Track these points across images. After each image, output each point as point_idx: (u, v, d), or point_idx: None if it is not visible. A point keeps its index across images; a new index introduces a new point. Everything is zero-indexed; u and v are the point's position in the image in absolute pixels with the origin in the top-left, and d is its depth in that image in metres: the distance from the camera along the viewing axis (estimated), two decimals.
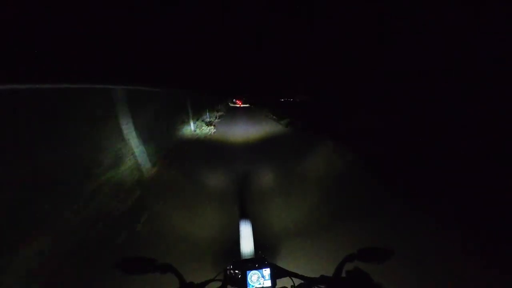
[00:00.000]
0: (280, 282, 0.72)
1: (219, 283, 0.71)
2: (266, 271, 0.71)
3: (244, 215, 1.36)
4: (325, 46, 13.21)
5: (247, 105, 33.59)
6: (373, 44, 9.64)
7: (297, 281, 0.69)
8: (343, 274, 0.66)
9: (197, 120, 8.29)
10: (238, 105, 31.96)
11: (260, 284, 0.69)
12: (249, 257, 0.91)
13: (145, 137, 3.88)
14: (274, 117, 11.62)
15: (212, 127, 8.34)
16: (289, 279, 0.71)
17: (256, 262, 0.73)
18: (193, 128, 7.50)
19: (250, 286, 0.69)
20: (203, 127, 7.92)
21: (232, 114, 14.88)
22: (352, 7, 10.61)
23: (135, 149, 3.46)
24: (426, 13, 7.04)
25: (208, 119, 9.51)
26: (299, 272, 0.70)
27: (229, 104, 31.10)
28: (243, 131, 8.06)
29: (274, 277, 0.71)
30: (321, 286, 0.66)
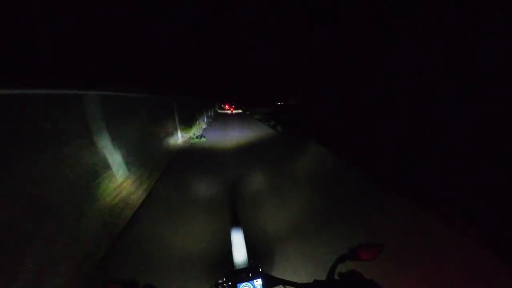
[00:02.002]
0: None
1: None
2: (258, 282, 0.69)
3: (236, 223, 1.30)
4: (325, 46, 13.20)
5: (239, 111, 30.34)
6: (373, 44, 9.64)
7: None
8: (336, 276, 0.66)
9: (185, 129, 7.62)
10: (229, 112, 27.80)
11: None
12: (242, 267, 0.88)
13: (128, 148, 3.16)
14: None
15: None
16: (282, 287, 0.69)
17: (248, 272, 0.71)
18: (180, 138, 7.03)
19: None
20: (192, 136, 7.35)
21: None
22: (352, 7, 10.61)
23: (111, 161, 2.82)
24: (426, 13, 7.03)
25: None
26: (296, 277, 0.69)
27: (217, 111, 27.70)
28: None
29: (266, 287, 0.69)
30: None
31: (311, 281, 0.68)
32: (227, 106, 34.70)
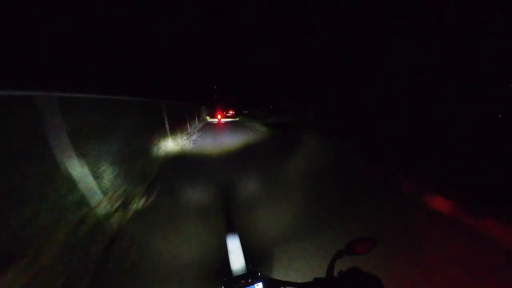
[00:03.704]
0: None
1: None
2: (259, 286, 0.68)
3: (231, 229, 1.30)
4: (325, 46, 13.20)
5: (234, 118, 23.99)
6: (373, 44, 9.64)
7: None
8: (335, 272, 0.67)
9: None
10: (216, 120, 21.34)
11: None
12: (241, 273, 0.88)
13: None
14: None
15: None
16: None
17: (248, 278, 0.70)
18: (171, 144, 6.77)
19: None
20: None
21: None
22: (352, 7, 10.61)
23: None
24: (426, 13, 7.03)
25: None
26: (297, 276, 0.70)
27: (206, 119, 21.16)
28: None
29: None
30: None
31: (311, 279, 0.68)
32: (219, 115, 23.01)
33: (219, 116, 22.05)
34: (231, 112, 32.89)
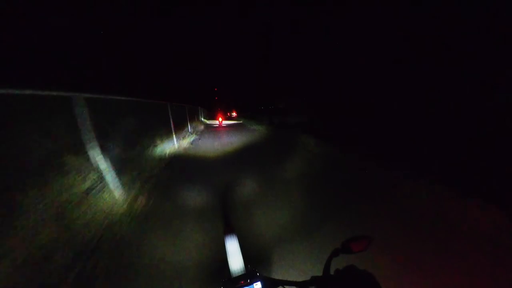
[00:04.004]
0: None
1: None
2: (257, 286, 0.68)
3: (229, 229, 1.26)
4: (325, 46, 13.21)
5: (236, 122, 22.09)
6: (373, 44, 9.64)
7: None
8: (332, 270, 0.68)
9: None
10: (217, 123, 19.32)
11: None
12: (240, 274, 0.88)
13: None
14: None
15: None
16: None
17: (247, 278, 0.70)
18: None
19: None
20: None
21: None
22: (352, 7, 10.62)
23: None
24: (426, 13, 7.03)
25: None
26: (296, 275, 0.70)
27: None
28: None
29: None
30: (313, 287, 0.66)
31: (308, 278, 0.69)
32: (220, 117, 20.97)
33: (220, 119, 20.80)
34: (234, 113, 32.00)
